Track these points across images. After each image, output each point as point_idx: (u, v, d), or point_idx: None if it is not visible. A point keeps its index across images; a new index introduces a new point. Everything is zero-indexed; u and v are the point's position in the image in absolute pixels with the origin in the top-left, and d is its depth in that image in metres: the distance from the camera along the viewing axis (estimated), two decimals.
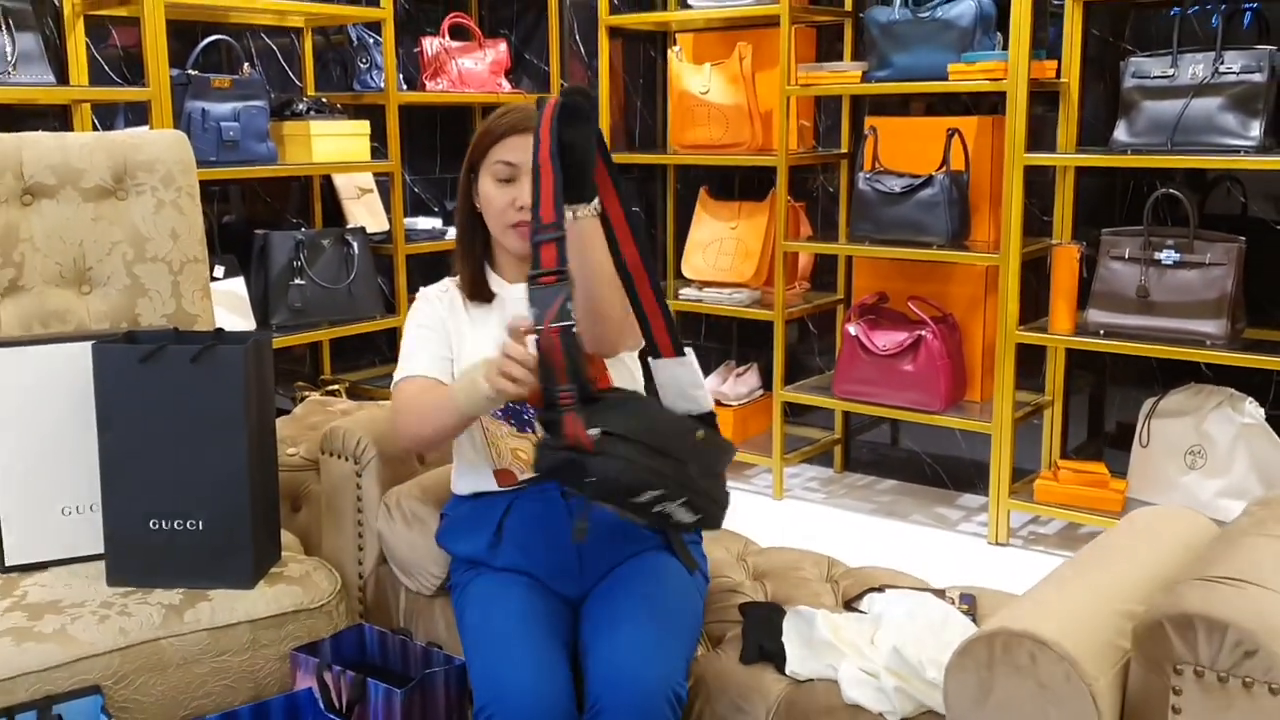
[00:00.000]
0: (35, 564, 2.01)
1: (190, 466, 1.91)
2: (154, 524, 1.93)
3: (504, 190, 1.83)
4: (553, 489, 1.81)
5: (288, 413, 2.74)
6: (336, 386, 3.86)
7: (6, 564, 1.99)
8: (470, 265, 1.93)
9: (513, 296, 1.89)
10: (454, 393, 1.73)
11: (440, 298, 1.95)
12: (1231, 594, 1.30)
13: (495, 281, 1.93)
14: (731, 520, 2.38)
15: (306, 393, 3.62)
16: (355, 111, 3.80)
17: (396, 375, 1.89)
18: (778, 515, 3.81)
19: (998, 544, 3.50)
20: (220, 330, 2.06)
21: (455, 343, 1.90)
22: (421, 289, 2.01)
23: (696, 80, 4.00)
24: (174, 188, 2.26)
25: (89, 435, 1.95)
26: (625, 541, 1.81)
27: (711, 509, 1.64)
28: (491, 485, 1.89)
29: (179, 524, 1.93)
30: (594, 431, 1.49)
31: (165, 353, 1.90)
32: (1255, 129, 2.93)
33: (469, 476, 1.92)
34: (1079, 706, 1.32)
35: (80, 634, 1.79)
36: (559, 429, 1.50)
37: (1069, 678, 1.32)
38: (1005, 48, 3.34)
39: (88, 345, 1.94)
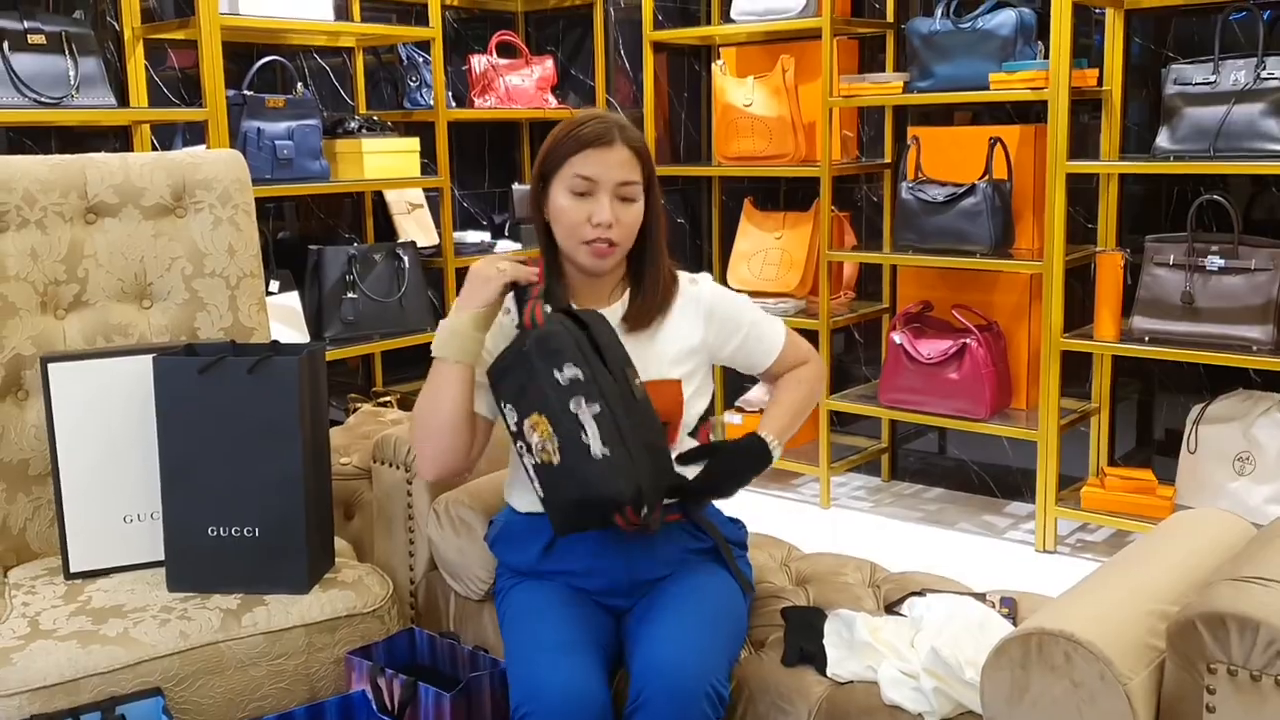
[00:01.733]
0: (98, 570, 2.08)
1: (247, 475, 1.98)
2: (212, 531, 1.99)
3: (580, 205, 1.78)
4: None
5: (341, 423, 2.80)
6: (388, 398, 3.92)
7: (71, 570, 2.06)
8: (548, 277, 1.85)
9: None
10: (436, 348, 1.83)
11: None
12: (1263, 594, 1.31)
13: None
14: (778, 527, 2.42)
15: (359, 404, 3.69)
16: (405, 129, 3.88)
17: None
18: (825, 523, 3.83)
19: (1045, 551, 3.49)
20: (276, 342, 2.12)
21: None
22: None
23: (740, 93, 4.04)
24: (231, 205, 2.34)
25: (149, 445, 2.03)
26: (678, 560, 1.84)
27: (622, 463, 1.63)
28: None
29: (236, 531, 1.99)
30: (548, 309, 1.71)
31: (223, 364, 1.97)
32: None
33: (527, 495, 1.85)
34: (1114, 705, 1.34)
35: (143, 637, 1.86)
36: (523, 314, 1.72)
37: (1103, 677, 1.34)
38: (1046, 57, 3.35)
39: (149, 358, 2.01)
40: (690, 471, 1.82)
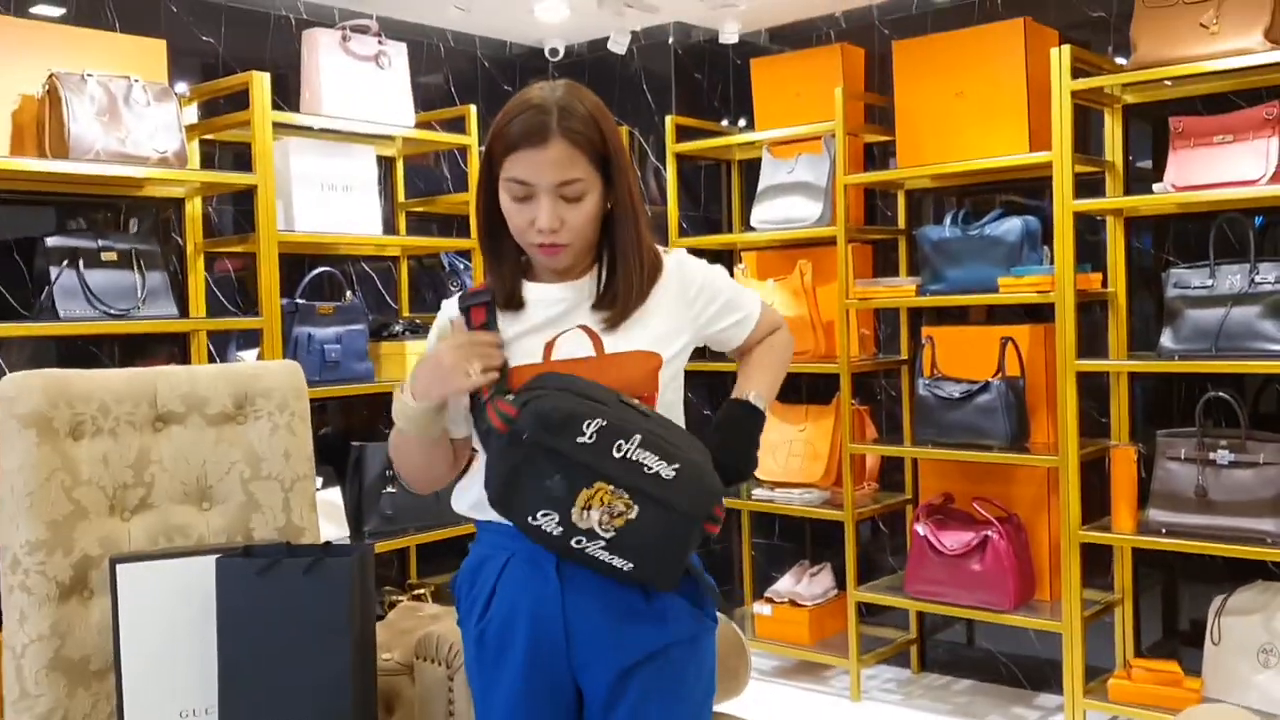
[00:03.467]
0: None
1: (299, 673, 2.07)
2: None
3: (522, 209, 1.66)
4: (548, 555, 1.67)
5: (381, 618, 2.90)
6: (422, 591, 4.02)
7: None
8: (502, 271, 1.75)
9: (545, 298, 1.74)
10: (394, 416, 1.71)
11: (454, 315, 1.79)
12: None
13: (527, 287, 1.76)
14: None
15: (395, 598, 3.79)
16: None
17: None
18: (857, 718, 3.84)
19: None
20: (328, 543, 2.25)
21: None
22: (445, 301, 1.86)
23: (762, 294, 4.24)
24: (288, 412, 2.50)
25: (208, 642, 2.13)
26: (623, 618, 1.69)
27: (697, 461, 1.57)
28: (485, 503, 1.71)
29: None
30: (511, 398, 1.58)
31: (280, 566, 2.09)
32: None
33: (469, 491, 1.79)
34: None
35: None
36: (485, 419, 1.58)
37: None
38: (1052, 261, 3.54)
39: (211, 559, 2.14)
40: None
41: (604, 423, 1.54)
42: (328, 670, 2.07)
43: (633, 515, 1.54)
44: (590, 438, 1.54)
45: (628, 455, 1.54)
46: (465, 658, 1.82)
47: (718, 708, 2.43)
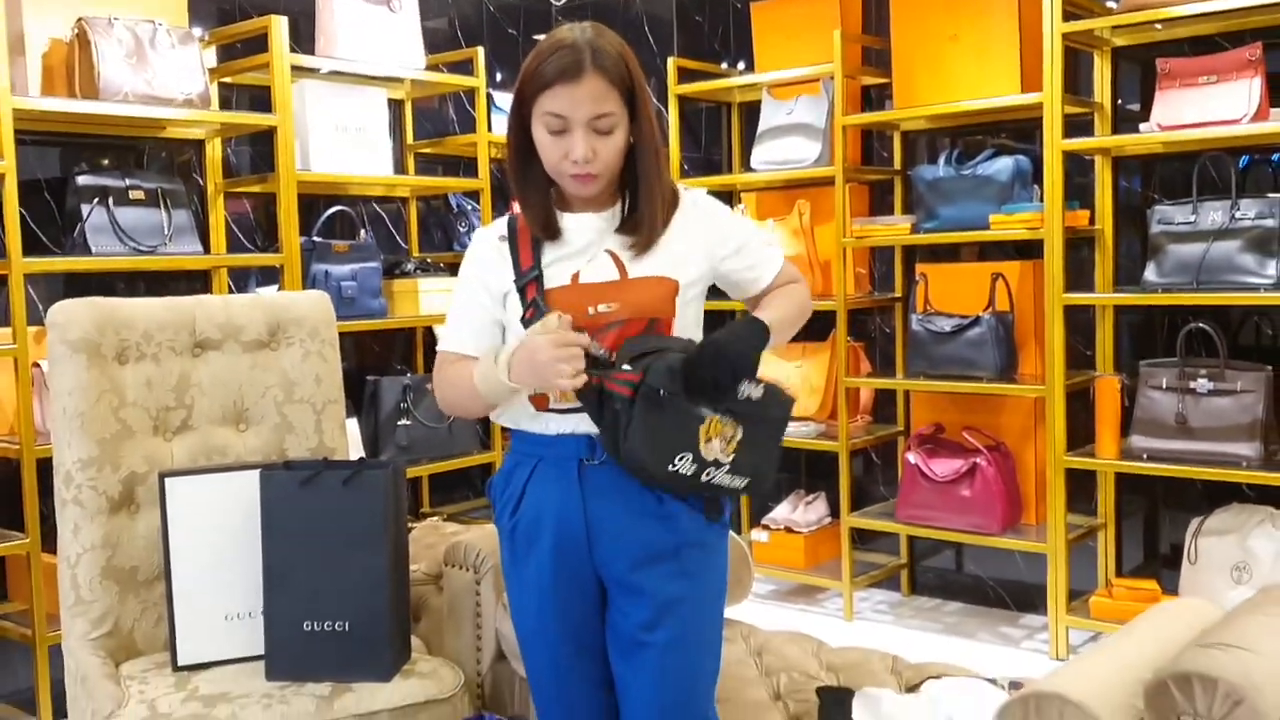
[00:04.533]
0: (202, 664, 2.32)
1: (338, 575, 2.24)
2: (307, 625, 2.24)
3: (556, 142, 1.77)
4: (571, 459, 1.84)
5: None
6: (435, 517, 4.19)
7: (179, 663, 2.31)
8: (535, 202, 1.86)
9: (577, 227, 1.86)
10: (475, 381, 1.82)
11: (494, 244, 1.90)
12: (1222, 656, 1.56)
13: (561, 217, 1.87)
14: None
15: (411, 525, 3.95)
16: (454, 269, 4.22)
17: (439, 343, 1.97)
18: (849, 637, 4.03)
19: (1059, 660, 3.69)
20: (363, 459, 2.41)
21: (508, 290, 1.87)
22: (479, 230, 2.00)
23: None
24: (318, 339, 2.65)
25: (252, 551, 2.29)
26: (638, 518, 1.83)
27: (768, 383, 1.76)
28: (528, 409, 1.87)
29: (328, 626, 2.24)
30: (627, 367, 1.71)
31: (321, 477, 2.25)
32: (1271, 268, 3.23)
33: (508, 404, 1.89)
34: None
35: (250, 718, 2.10)
36: (609, 395, 1.72)
37: None
38: (1042, 199, 3.69)
39: (255, 473, 2.30)
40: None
41: (719, 371, 1.72)
42: (366, 573, 2.23)
43: (740, 436, 1.74)
44: (710, 378, 1.71)
45: (746, 395, 1.74)
46: (501, 555, 1.98)
47: (726, 613, 2.61)
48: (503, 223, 1.93)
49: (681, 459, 1.73)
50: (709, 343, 1.77)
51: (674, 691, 1.84)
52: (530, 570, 1.90)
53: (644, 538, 1.84)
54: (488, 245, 1.92)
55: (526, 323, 1.82)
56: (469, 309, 1.91)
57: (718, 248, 1.89)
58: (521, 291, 1.83)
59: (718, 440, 1.73)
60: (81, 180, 3.21)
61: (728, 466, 1.75)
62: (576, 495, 1.85)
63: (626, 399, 1.71)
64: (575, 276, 1.85)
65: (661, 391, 1.69)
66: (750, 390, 1.75)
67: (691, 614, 1.86)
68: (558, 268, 1.86)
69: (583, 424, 1.82)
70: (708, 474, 1.75)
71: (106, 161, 3.45)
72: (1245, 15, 3.38)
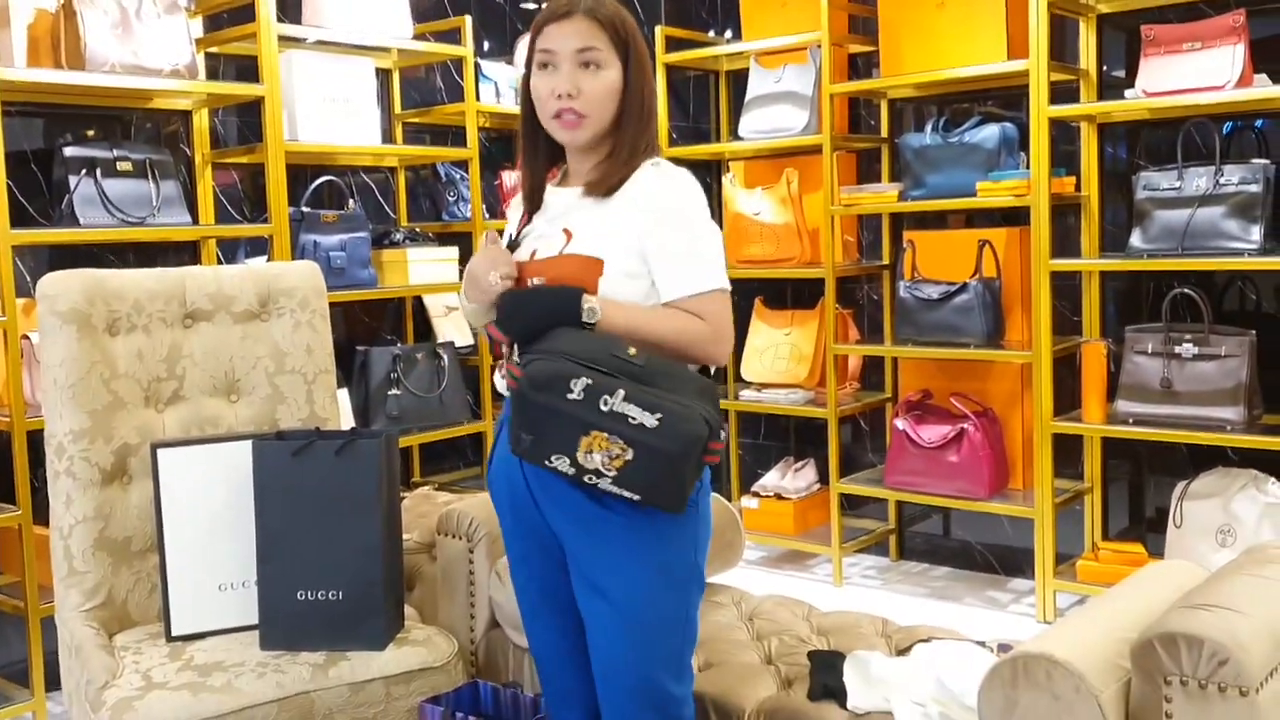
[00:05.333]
0: (196, 634, 2.34)
1: (332, 544, 2.25)
2: (301, 595, 2.25)
3: (544, 78, 1.85)
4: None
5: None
6: (425, 487, 4.21)
7: (173, 634, 2.33)
8: (531, 169, 1.95)
9: (557, 200, 1.93)
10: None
11: (515, 205, 2.04)
12: (1207, 616, 1.59)
13: (548, 190, 1.95)
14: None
15: (402, 494, 3.97)
16: (442, 239, 4.22)
17: None
18: (838, 602, 4.06)
19: (1046, 623, 3.73)
20: (355, 428, 2.42)
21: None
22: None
23: (749, 202, 4.39)
24: (309, 310, 2.65)
25: (244, 521, 2.31)
26: (570, 487, 1.82)
27: (678, 410, 1.68)
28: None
29: (322, 594, 2.26)
30: (516, 359, 1.74)
31: (313, 447, 2.26)
32: (1255, 233, 3.25)
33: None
34: (1088, 714, 1.60)
35: (245, 687, 2.12)
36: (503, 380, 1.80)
37: (1079, 689, 1.60)
38: (1028, 166, 3.70)
39: (246, 443, 2.31)
40: None
41: (589, 381, 1.69)
42: (360, 542, 2.25)
43: (629, 457, 1.68)
44: (579, 395, 1.68)
45: (613, 409, 1.68)
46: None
47: (717, 579, 2.64)
48: None
49: (558, 459, 1.73)
50: (511, 294, 1.83)
51: (616, 659, 1.84)
52: (505, 523, 1.99)
53: (577, 502, 1.83)
54: (513, 204, 2.05)
55: None
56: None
57: (644, 237, 1.84)
58: None
59: (599, 454, 1.70)
60: (68, 151, 3.19)
61: (611, 478, 1.72)
62: (517, 460, 1.86)
63: (510, 389, 1.75)
64: (533, 253, 1.90)
65: (524, 394, 1.70)
66: (644, 417, 1.69)
67: (636, 579, 1.82)
68: (529, 240, 1.92)
69: None
70: (589, 478, 1.73)
71: (93, 132, 3.43)
72: None
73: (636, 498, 1.73)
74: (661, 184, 1.85)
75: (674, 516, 1.80)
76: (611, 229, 1.83)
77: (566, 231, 1.87)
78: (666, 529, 1.82)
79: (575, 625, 1.92)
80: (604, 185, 1.85)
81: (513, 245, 1.94)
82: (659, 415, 1.67)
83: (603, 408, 1.68)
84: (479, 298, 1.91)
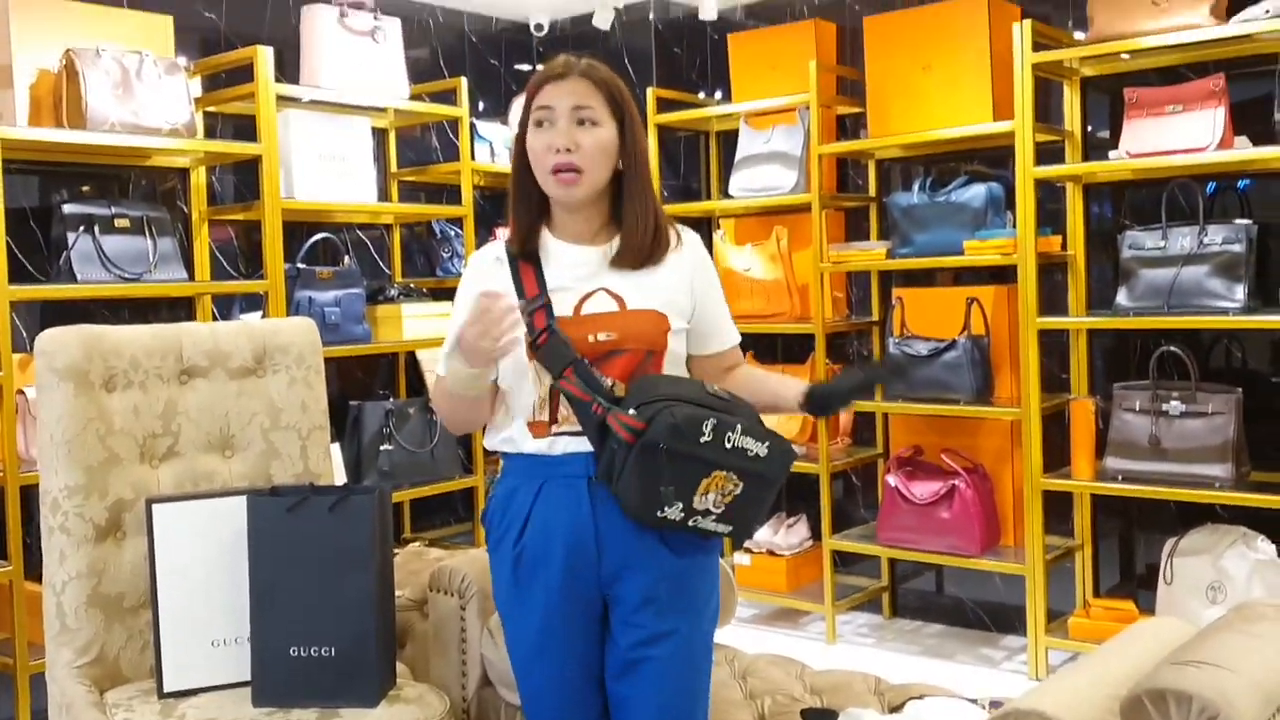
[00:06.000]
0: (188, 690, 2.33)
1: (325, 600, 2.25)
2: (294, 651, 2.25)
3: (541, 135, 1.89)
4: (579, 476, 1.88)
5: None
6: (416, 544, 4.20)
7: (165, 690, 2.32)
8: (523, 220, 1.96)
9: (572, 259, 1.94)
10: (448, 382, 1.92)
11: (491, 264, 1.99)
12: (1195, 673, 1.60)
13: (547, 237, 1.96)
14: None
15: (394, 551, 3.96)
16: (436, 294, 4.26)
17: (438, 367, 2.02)
18: (831, 659, 4.05)
19: (1039, 680, 3.73)
20: (348, 484, 2.43)
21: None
22: (476, 252, 2.08)
23: (739, 259, 4.44)
24: (304, 366, 2.67)
25: (238, 576, 2.30)
26: (642, 534, 1.87)
27: (775, 437, 1.80)
28: (526, 437, 1.92)
29: (315, 651, 2.25)
30: (632, 412, 1.76)
31: (308, 503, 2.27)
32: (1239, 292, 3.30)
33: (503, 429, 1.97)
34: None
35: None
36: (610, 432, 1.77)
37: None
38: (1015, 225, 3.75)
39: (241, 499, 2.31)
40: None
41: (714, 421, 1.76)
42: (353, 598, 2.25)
43: (739, 491, 1.78)
44: (709, 435, 1.76)
45: (735, 444, 1.77)
46: (496, 584, 2.02)
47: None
48: (498, 245, 2.01)
49: (671, 508, 1.78)
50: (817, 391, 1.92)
51: (673, 705, 1.88)
52: (537, 591, 1.93)
53: (649, 553, 1.88)
54: (486, 265, 2.00)
55: (537, 348, 1.87)
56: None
57: (696, 295, 1.97)
58: (529, 318, 1.88)
59: (715, 494, 1.78)
60: (67, 209, 3.23)
61: (715, 516, 1.80)
62: (587, 509, 1.89)
63: (625, 443, 1.76)
64: (579, 306, 1.91)
65: (662, 445, 1.74)
66: (758, 448, 1.79)
67: (691, 631, 1.92)
68: (559, 297, 1.91)
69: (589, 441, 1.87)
70: (694, 520, 1.80)
71: (90, 189, 3.47)
72: (1208, 47, 3.46)
73: (727, 530, 1.82)
74: (698, 245, 2.01)
75: (714, 562, 1.95)
76: (669, 287, 1.93)
77: (608, 291, 1.91)
78: (713, 577, 1.97)
79: (603, 704, 1.96)
80: (639, 259, 1.91)
81: (542, 307, 1.91)
82: (767, 444, 1.78)
83: (726, 445, 1.76)
84: (475, 364, 1.84)
